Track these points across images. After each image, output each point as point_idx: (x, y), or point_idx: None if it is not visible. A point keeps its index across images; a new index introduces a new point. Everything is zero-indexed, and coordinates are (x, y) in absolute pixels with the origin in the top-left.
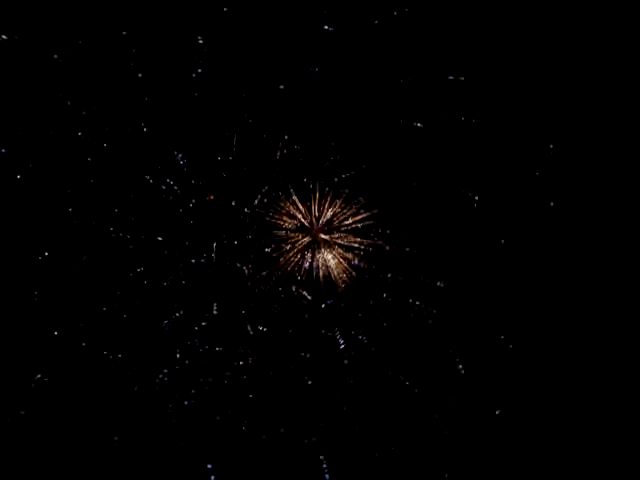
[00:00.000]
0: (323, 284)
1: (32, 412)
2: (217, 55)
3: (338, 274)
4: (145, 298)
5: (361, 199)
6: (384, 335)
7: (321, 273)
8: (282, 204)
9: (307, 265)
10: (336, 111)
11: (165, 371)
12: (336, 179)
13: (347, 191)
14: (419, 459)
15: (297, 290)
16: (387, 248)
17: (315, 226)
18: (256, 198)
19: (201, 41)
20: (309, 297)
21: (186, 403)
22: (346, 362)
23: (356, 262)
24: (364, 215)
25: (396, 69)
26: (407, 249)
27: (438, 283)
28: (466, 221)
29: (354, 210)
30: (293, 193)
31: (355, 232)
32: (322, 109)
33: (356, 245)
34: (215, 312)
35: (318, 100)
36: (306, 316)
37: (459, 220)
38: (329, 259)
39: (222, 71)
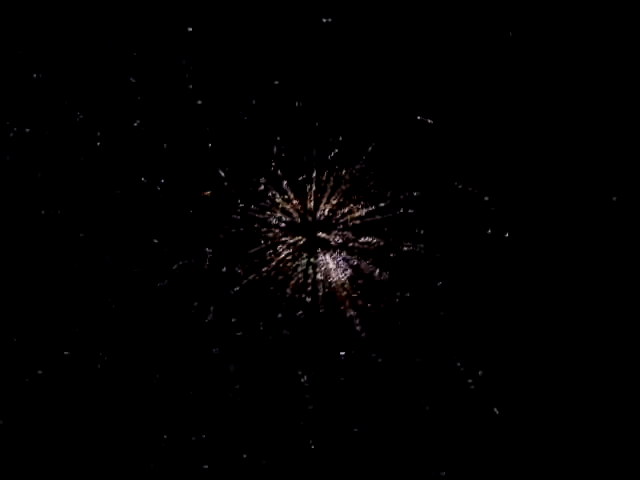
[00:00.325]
0: (321, 286)
1: (27, 413)
2: (210, 50)
3: (337, 275)
4: (140, 300)
5: (357, 196)
6: (384, 339)
7: (319, 274)
8: (277, 201)
9: (304, 266)
10: (334, 104)
11: (160, 374)
12: (333, 175)
13: (346, 186)
14: (417, 459)
15: (294, 293)
16: (390, 247)
17: (312, 224)
18: (249, 195)
19: (191, 28)
20: (307, 299)
21: (182, 405)
22: (345, 366)
23: (356, 262)
24: (365, 212)
25: (399, 61)
26: (411, 248)
27: (439, 283)
28: (474, 220)
29: (354, 206)
30: (288, 189)
31: (355, 230)
32: (319, 102)
33: (357, 244)
34: (210, 315)
35: (316, 93)
36: (303, 319)
37: (467, 218)
38: (327, 259)
39: (215, 66)
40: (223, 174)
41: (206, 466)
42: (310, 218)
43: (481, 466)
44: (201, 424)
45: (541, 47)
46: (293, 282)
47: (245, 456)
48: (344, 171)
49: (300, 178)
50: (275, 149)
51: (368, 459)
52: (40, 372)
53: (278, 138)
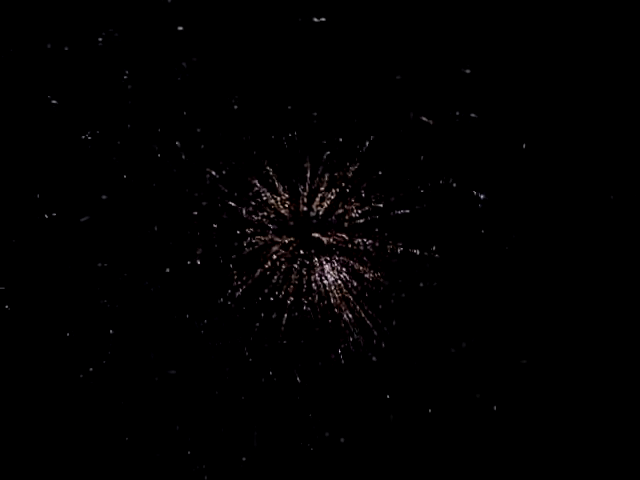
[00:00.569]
0: (316, 287)
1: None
2: (202, 50)
3: (332, 277)
4: (133, 303)
5: (351, 197)
6: (381, 340)
7: (313, 276)
8: (270, 202)
9: (298, 267)
10: (328, 104)
11: (155, 376)
12: (327, 175)
13: (340, 187)
14: (416, 458)
15: (288, 295)
16: (385, 248)
17: (306, 225)
18: (241, 196)
19: (181, 28)
20: (302, 301)
21: (179, 407)
22: (341, 367)
23: (351, 263)
24: (359, 212)
25: (394, 62)
26: (406, 249)
27: (435, 283)
28: (470, 220)
29: (348, 207)
30: (281, 190)
31: (350, 231)
32: (313, 102)
33: (351, 245)
34: (204, 318)
35: (310, 93)
36: (298, 320)
37: (464, 218)
38: (322, 261)
39: (207, 66)
40: (215, 175)
41: (204, 466)
42: (304, 219)
43: (480, 464)
44: (198, 426)
45: (540, 47)
46: (287, 284)
47: (244, 459)
48: (338, 172)
49: (294, 180)
50: (268, 150)
51: (366, 458)
52: (36, 370)
53: (272, 137)
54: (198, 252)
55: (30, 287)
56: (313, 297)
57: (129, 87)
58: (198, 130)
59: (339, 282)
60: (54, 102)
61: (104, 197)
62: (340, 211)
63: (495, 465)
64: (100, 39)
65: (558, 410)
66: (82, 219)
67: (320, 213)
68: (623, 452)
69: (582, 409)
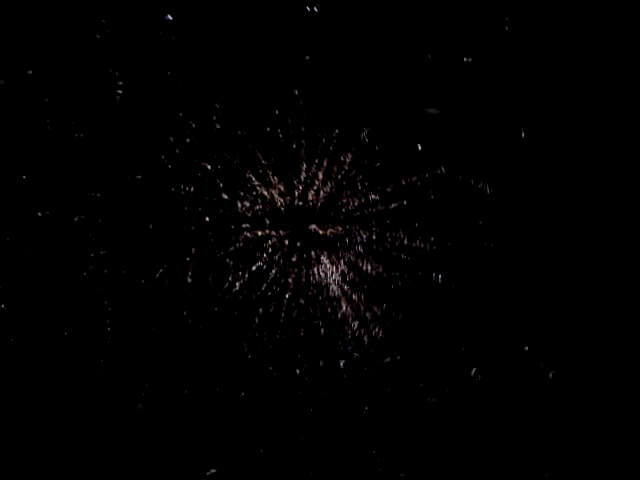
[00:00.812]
0: (315, 284)
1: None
2: (193, 40)
3: (330, 271)
4: (128, 303)
5: (349, 189)
6: (381, 336)
7: (311, 270)
8: (265, 194)
9: (295, 263)
10: (324, 91)
11: (155, 374)
12: (323, 166)
13: (337, 178)
14: (417, 456)
15: (286, 290)
16: (384, 241)
17: (303, 218)
18: (236, 190)
19: (171, 17)
20: (300, 295)
21: (177, 405)
22: (341, 363)
23: (351, 257)
24: (357, 204)
25: (393, 50)
26: (406, 242)
27: (434, 277)
28: (474, 212)
29: (345, 200)
30: (277, 182)
31: (348, 224)
32: (309, 89)
33: (350, 239)
34: (200, 317)
35: (307, 80)
36: (297, 316)
37: (467, 210)
38: (319, 254)
39: (198, 57)
40: (210, 169)
41: (203, 464)
42: (300, 212)
43: (483, 460)
44: (196, 423)
45: (544, 42)
46: (285, 278)
47: (244, 456)
48: (334, 163)
49: (289, 174)
50: (262, 142)
51: (366, 453)
52: (29, 373)
53: (267, 129)
54: (193, 250)
55: (25, 286)
56: (312, 291)
57: (120, 83)
58: (192, 125)
59: (337, 275)
60: (46, 100)
61: (98, 195)
62: (337, 203)
63: (497, 461)
64: (91, 35)
65: (562, 401)
66: (76, 217)
67: (317, 205)
68: (622, 450)
69: (586, 403)
